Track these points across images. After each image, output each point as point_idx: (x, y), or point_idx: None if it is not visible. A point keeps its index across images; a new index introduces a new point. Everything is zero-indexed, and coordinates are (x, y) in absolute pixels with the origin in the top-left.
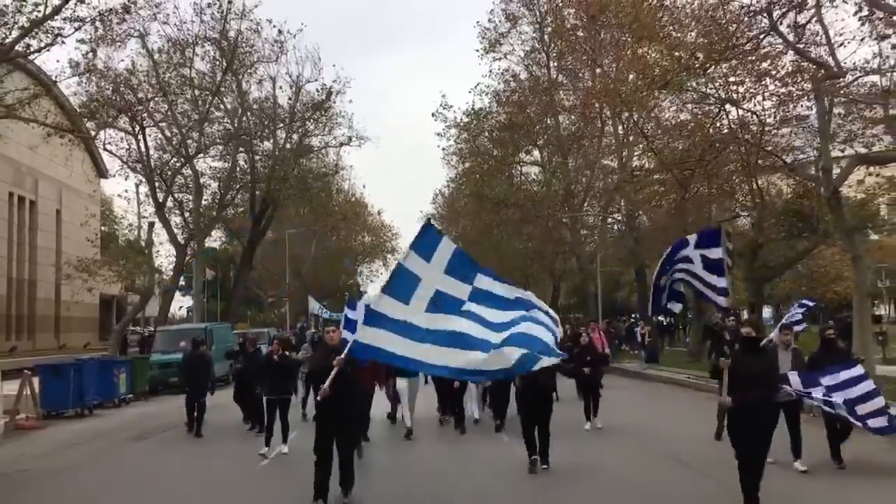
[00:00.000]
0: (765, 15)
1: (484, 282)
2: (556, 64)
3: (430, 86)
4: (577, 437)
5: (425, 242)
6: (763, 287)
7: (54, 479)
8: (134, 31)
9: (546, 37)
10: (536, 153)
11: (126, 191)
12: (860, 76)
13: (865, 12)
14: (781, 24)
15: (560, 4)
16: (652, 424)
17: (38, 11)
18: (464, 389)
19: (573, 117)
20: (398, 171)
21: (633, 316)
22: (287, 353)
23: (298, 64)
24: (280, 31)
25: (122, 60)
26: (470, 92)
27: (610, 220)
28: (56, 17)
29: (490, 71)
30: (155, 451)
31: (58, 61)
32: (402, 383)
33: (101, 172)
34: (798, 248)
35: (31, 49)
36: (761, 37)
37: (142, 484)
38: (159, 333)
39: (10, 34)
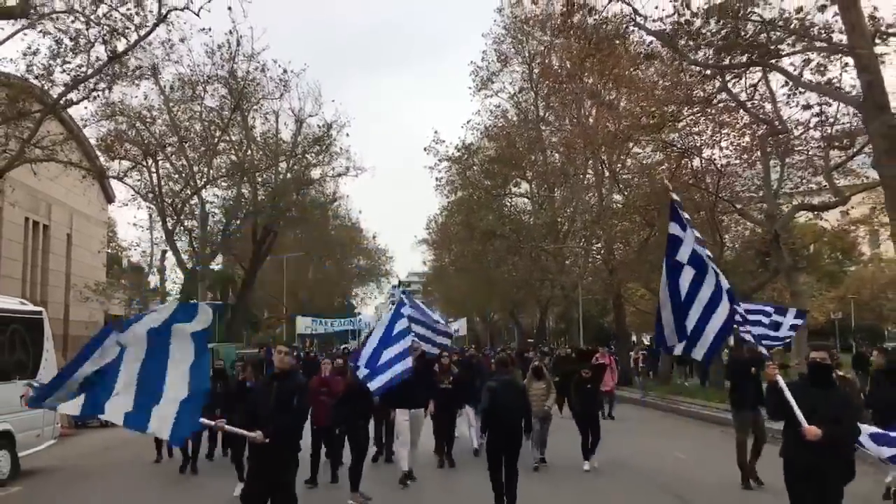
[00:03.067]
0: (718, 78)
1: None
2: (543, 103)
3: (423, 108)
4: (577, 479)
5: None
6: None
7: (104, 473)
8: (147, 71)
9: (535, 75)
10: (525, 185)
11: (135, 216)
12: (802, 132)
13: (790, 85)
14: (735, 84)
15: (545, 50)
16: (661, 463)
17: (81, 70)
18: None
19: (557, 154)
20: (389, 191)
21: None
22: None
23: (301, 99)
24: (285, 71)
25: (136, 97)
26: (462, 127)
27: (592, 251)
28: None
29: (479, 111)
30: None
31: (85, 108)
32: (402, 415)
33: (109, 197)
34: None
35: (70, 102)
36: (716, 94)
37: (178, 476)
38: None
39: (50, 87)
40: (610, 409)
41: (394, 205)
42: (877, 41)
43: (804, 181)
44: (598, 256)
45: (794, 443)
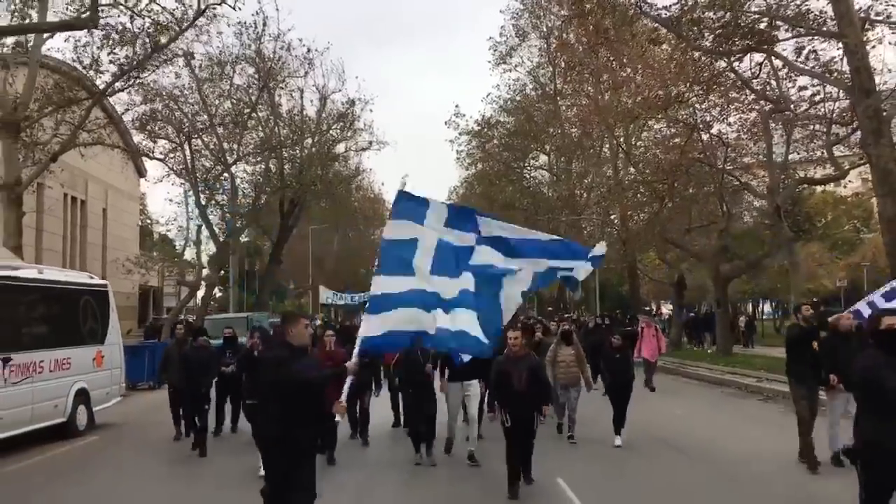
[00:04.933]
0: (724, 58)
1: (490, 227)
2: (560, 78)
3: (439, 81)
4: (606, 457)
5: (406, 209)
6: (728, 285)
7: (158, 427)
8: (179, 51)
9: (552, 49)
10: (543, 158)
11: (168, 192)
12: (805, 109)
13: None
14: (741, 63)
15: (562, 24)
16: (701, 437)
17: (127, 60)
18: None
19: (574, 128)
20: (408, 162)
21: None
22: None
23: (325, 76)
24: (309, 50)
25: (168, 76)
26: (482, 101)
27: (607, 222)
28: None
29: (498, 84)
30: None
31: (128, 93)
32: (455, 389)
33: (140, 172)
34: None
35: (115, 90)
36: (722, 74)
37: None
38: (207, 321)
39: (97, 77)
40: (648, 379)
41: (410, 175)
42: (867, 27)
43: (810, 153)
44: (612, 228)
45: (883, 423)
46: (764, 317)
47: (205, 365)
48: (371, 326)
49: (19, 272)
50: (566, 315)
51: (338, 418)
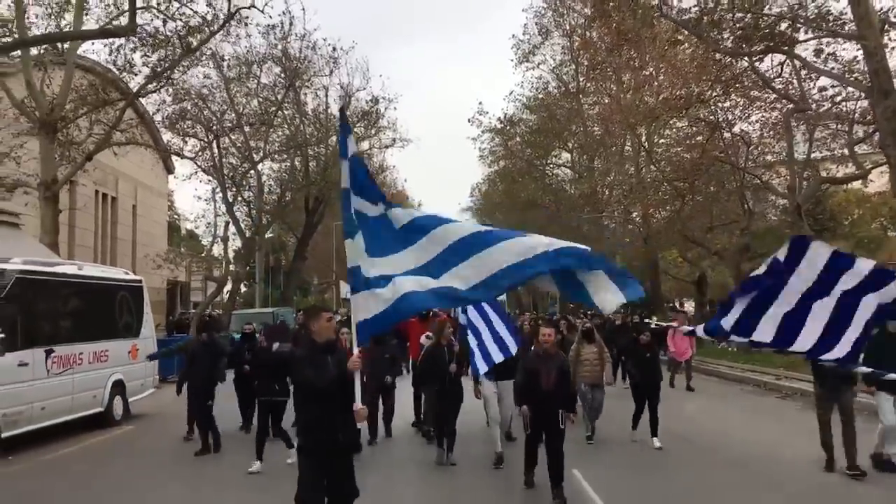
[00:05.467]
0: (745, 58)
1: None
2: (583, 76)
3: (463, 76)
4: (622, 451)
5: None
6: None
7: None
8: (208, 51)
9: (575, 46)
10: (566, 155)
11: (196, 189)
12: (827, 108)
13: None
14: (762, 62)
15: (585, 22)
16: (714, 432)
17: (159, 63)
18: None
19: (596, 126)
20: (430, 158)
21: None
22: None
23: (349, 75)
24: (334, 49)
25: (197, 76)
26: (504, 99)
27: (629, 220)
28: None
29: (521, 83)
30: None
31: (159, 94)
32: (489, 387)
33: (168, 169)
34: None
35: (148, 91)
36: (744, 73)
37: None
38: (234, 316)
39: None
40: (688, 379)
41: (433, 171)
42: (887, 29)
43: (832, 152)
44: (634, 226)
45: None
46: None
47: (209, 361)
48: (367, 305)
49: (60, 268)
50: (590, 312)
51: (359, 425)
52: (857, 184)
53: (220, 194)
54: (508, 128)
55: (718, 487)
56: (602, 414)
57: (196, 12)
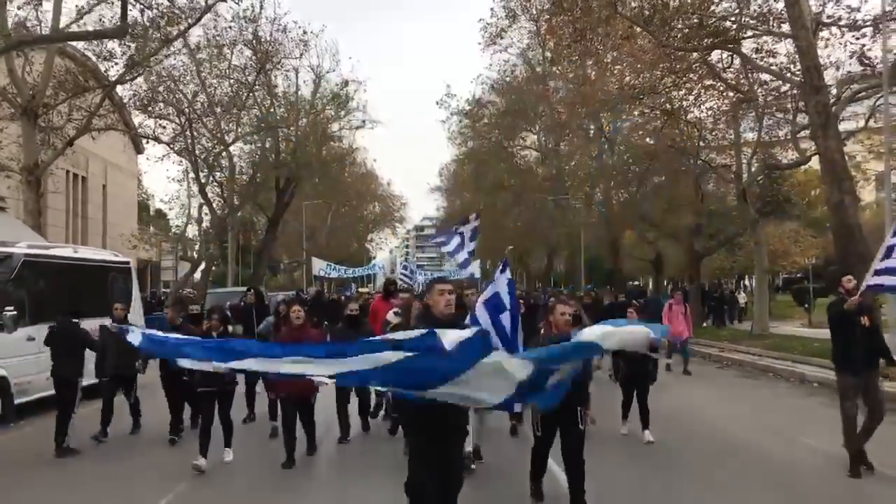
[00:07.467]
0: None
1: None
2: (549, 59)
3: (433, 58)
4: (615, 444)
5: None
6: (700, 262)
7: None
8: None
9: (541, 31)
10: (533, 137)
11: (168, 170)
12: (773, 100)
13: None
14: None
15: (551, 7)
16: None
17: (137, 53)
18: None
19: (562, 108)
20: (401, 137)
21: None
22: (229, 329)
23: (319, 57)
24: (304, 32)
25: (167, 56)
26: (472, 82)
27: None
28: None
29: (490, 64)
30: None
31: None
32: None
33: (139, 150)
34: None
35: (126, 78)
36: (695, 65)
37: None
38: (209, 295)
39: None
40: (685, 363)
41: (402, 153)
42: (820, 28)
43: (779, 138)
44: (597, 208)
45: None
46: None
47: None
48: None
49: (58, 251)
50: (580, 292)
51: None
52: (809, 167)
53: (193, 175)
54: (476, 110)
55: (718, 484)
56: (591, 404)
57: (173, 2)
